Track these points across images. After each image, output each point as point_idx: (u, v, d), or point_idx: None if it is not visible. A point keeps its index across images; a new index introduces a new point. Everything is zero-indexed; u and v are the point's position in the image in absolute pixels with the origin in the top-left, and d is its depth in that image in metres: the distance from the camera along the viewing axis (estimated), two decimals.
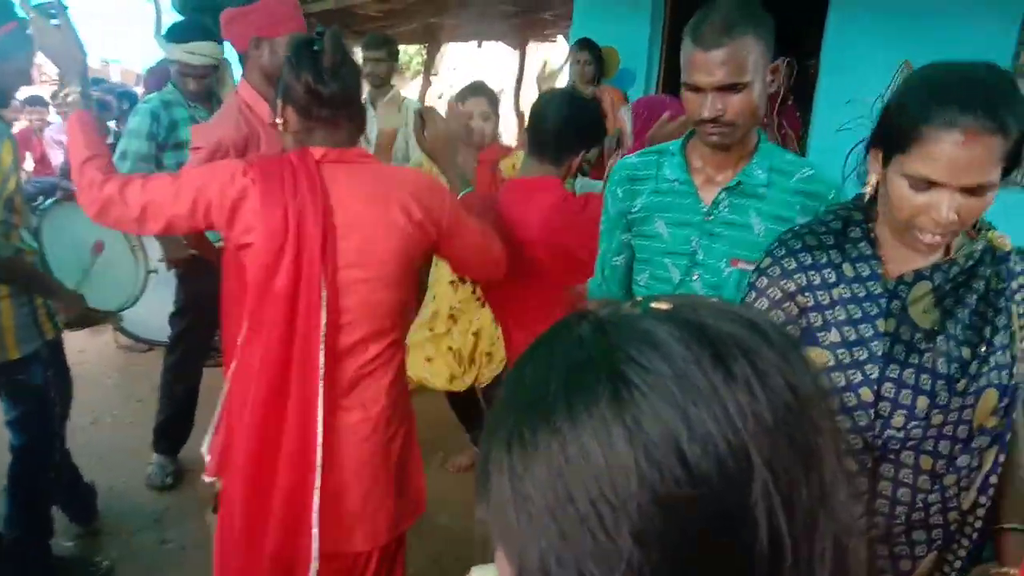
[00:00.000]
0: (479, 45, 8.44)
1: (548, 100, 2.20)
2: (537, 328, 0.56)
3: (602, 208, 1.79)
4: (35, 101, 6.12)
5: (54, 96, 5.68)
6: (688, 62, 1.48)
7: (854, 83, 4.19)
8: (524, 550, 0.47)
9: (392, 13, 5.84)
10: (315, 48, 1.63)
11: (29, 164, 5.85)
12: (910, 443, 1.23)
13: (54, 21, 1.77)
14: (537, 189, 2.07)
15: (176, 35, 3.01)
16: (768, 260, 1.34)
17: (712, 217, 1.60)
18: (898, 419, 1.22)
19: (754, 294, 1.34)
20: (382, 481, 1.79)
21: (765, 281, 1.33)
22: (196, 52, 2.93)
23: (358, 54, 4.97)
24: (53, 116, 6.49)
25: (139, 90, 7.68)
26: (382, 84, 4.06)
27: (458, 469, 3.38)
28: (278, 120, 1.70)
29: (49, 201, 2.72)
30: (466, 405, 3.32)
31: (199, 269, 2.89)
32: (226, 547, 1.83)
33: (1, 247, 2.13)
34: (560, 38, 7.85)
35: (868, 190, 1.27)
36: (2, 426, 2.47)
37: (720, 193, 1.59)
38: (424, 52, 7.97)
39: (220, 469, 1.84)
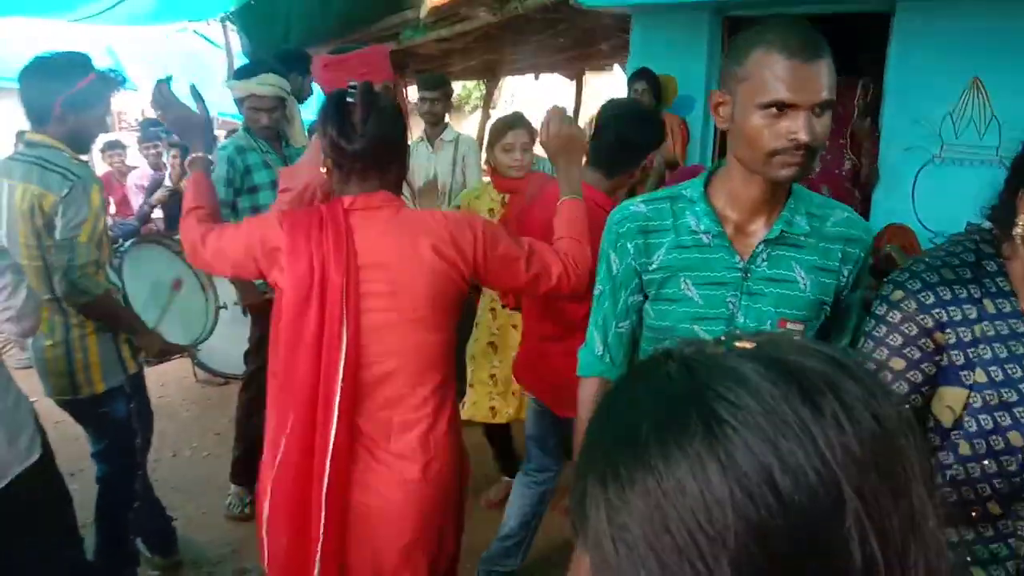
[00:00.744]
0: (536, 77, 8.56)
1: (608, 111, 2.17)
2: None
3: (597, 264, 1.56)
4: (114, 145, 6.44)
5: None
6: (777, 77, 1.24)
7: (920, 102, 4.11)
8: None
9: (451, 52, 5.98)
10: (346, 101, 1.68)
11: (111, 207, 6.15)
12: None
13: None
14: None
15: (243, 73, 3.17)
16: (900, 293, 1.26)
17: (750, 274, 1.40)
18: None
19: (884, 328, 1.26)
20: (426, 536, 1.76)
21: (898, 316, 1.25)
22: (264, 83, 3.06)
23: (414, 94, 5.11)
24: (131, 160, 6.83)
25: (218, 133, 8.07)
26: (437, 122, 4.15)
27: (490, 505, 3.31)
28: (322, 169, 1.77)
29: (129, 243, 2.87)
30: (505, 438, 3.32)
31: (267, 311, 2.99)
32: None
33: (94, 284, 2.27)
34: (616, 67, 7.91)
35: (1019, 231, 1.20)
36: (89, 460, 2.59)
37: (759, 246, 1.39)
38: (483, 87, 8.11)
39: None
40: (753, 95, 1.26)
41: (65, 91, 2.23)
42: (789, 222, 1.39)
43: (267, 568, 1.83)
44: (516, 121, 3.03)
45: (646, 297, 1.50)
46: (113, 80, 2.39)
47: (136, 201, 5.76)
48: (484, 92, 8.08)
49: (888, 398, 0.51)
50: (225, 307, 3.10)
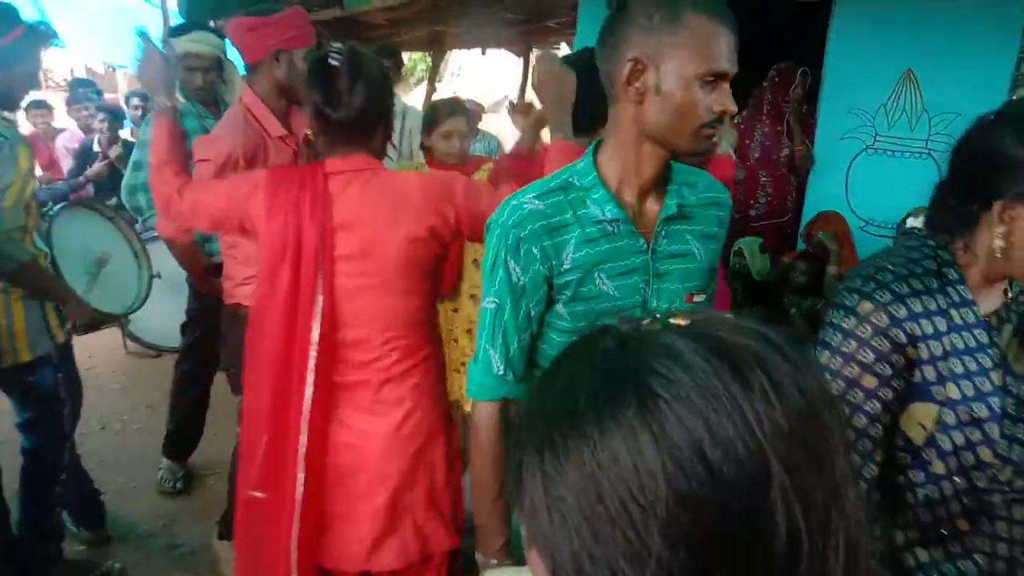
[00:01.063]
0: (483, 52, 8.48)
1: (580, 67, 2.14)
2: None
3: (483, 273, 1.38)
4: (40, 104, 6.16)
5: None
6: (718, 45, 1.18)
7: (856, 92, 4.22)
8: (558, 550, 0.51)
9: (397, 21, 5.87)
10: (331, 66, 1.66)
11: (37, 170, 5.89)
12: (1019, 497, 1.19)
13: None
14: None
15: (177, 31, 3.08)
16: (869, 305, 1.18)
17: (656, 254, 1.35)
18: (1006, 474, 1.17)
19: (853, 343, 1.19)
20: (410, 493, 1.78)
21: (869, 330, 1.18)
22: (200, 41, 2.98)
23: None
24: (60, 122, 6.54)
25: None
26: None
27: None
28: (307, 131, 1.79)
29: (58, 207, 2.76)
30: None
31: (209, 273, 2.93)
32: (244, 551, 1.87)
33: (19, 251, 2.18)
34: (564, 45, 7.89)
35: (999, 244, 1.16)
36: (14, 432, 2.51)
37: (659, 225, 1.34)
38: (428, 59, 8.00)
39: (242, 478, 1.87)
40: (692, 64, 1.18)
41: None
42: (680, 195, 1.36)
43: (237, 532, 1.86)
44: (456, 108, 3.02)
45: (550, 303, 1.36)
46: (43, 34, 2.29)
47: (65, 164, 5.53)
48: (430, 64, 7.97)
49: (814, 373, 0.53)
50: (159, 276, 3.01)
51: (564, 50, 8.43)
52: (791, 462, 0.49)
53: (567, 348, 0.59)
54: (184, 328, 3.26)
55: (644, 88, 1.21)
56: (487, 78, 11.08)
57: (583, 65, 2.13)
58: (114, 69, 11.17)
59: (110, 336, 4.60)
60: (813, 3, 4.33)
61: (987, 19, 3.84)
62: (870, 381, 1.20)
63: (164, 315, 3.54)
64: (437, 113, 3.02)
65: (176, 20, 5.61)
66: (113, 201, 3.39)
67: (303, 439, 1.70)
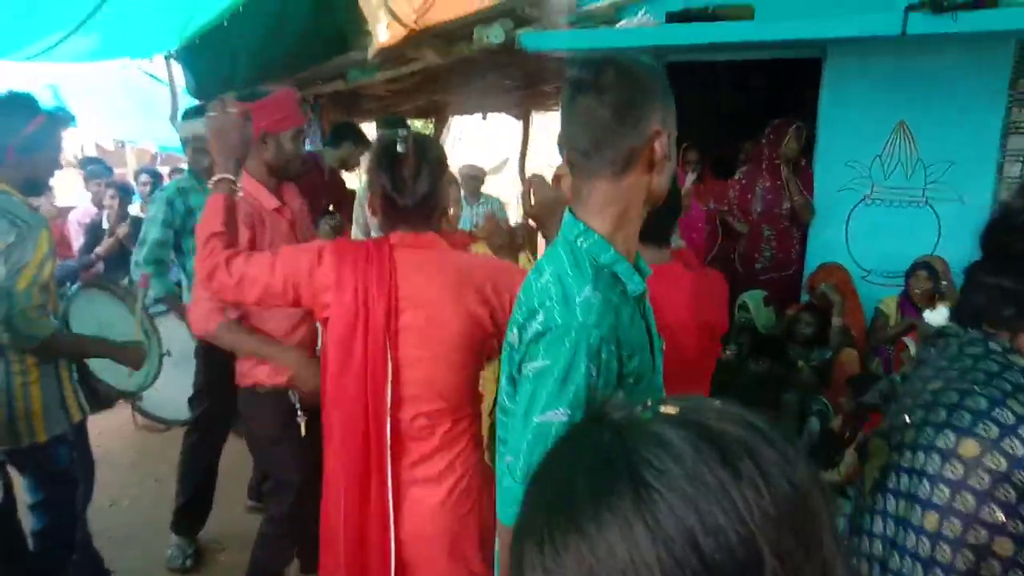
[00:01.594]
0: (484, 117, 8.67)
1: None
2: None
3: (551, 373, 1.16)
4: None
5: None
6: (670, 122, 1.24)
7: (851, 144, 4.30)
8: None
9: (399, 92, 6.02)
10: (397, 153, 1.75)
11: None
12: None
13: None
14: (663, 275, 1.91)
15: (189, 114, 3.17)
16: (974, 446, 1.05)
17: (649, 322, 1.33)
18: None
19: (971, 500, 1.05)
20: (460, 555, 1.86)
21: (987, 479, 1.04)
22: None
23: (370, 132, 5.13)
24: (68, 199, 6.66)
25: (162, 169, 7.98)
26: None
27: None
28: (366, 208, 1.84)
29: (75, 288, 2.81)
30: None
31: (218, 353, 2.96)
32: None
33: (40, 327, 2.21)
34: None
35: None
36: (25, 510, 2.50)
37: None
38: (431, 126, 8.18)
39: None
40: (674, 127, 1.25)
41: (15, 135, 2.20)
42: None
43: None
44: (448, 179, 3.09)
45: None
46: (62, 119, 2.38)
47: (76, 240, 5.61)
48: (432, 131, 8.14)
49: (800, 459, 0.55)
50: (169, 354, 3.05)
51: None
52: (781, 548, 0.50)
53: (564, 438, 0.61)
54: (192, 401, 3.27)
55: (661, 156, 1.22)
56: (488, 141, 11.29)
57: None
58: (123, 145, 11.41)
59: (119, 412, 4.60)
60: (807, 60, 4.44)
61: (976, 70, 3.94)
62: (1004, 547, 1.03)
63: (172, 389, 3.55)
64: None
65: (184, 97, 5.79)
66: (125, 281, 3.44)
67: (390, 507, 1.78)
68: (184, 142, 3.20)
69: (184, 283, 3.20)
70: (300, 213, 2.55)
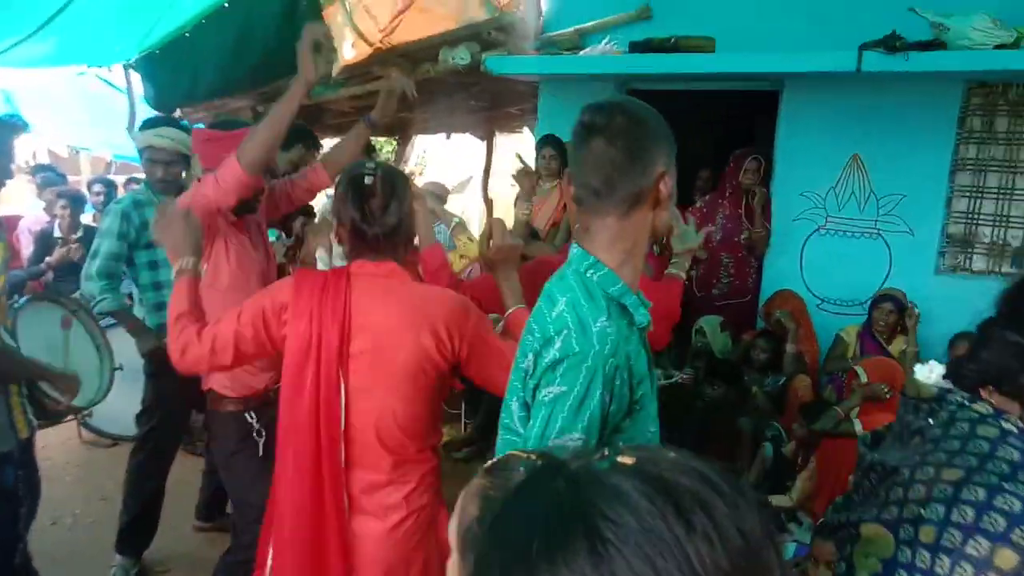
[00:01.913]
0: (448, 137, 8.69)
1: None
2: None
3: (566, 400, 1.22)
4: None
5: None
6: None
7: (807, 175, 4.41)
8: None
9: (363, 109, 6.00)
10: (365, 184, 1.76)
11: None
12: None
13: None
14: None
15: (146, 124, 3.12)
16: (1015, 558, 1.01)
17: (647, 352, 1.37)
18: None
19: None
20: None
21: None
22: (165, 136, 3.01)
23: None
24: (26, 208, 6.47)
25: (116, 178, 7.81)
26: None
27: None
28: (332, 237, 1.84)
29: (22, 300, 2.73)
30: None
31: (168, 368, 2.91)
32: None
33: None
34: (526, 129, 8.13)
35: None
36: None
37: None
38: (394, 143, 8.17)
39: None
40: (673, 167, 1.33)
41: None
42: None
43: None
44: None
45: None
46: (15, 126, 2.32)
47: (26, 248, 5.46)
48: (396, 149, 8.14)
49: (753, 511, 0.56)
50: (121, 368, 2.98)
51: (527, 135, 8.67)
52: None
53: (519, 486, 0.61)
54: (139, 418, 3.19)
55: (666, 195, 1.30)
56: (453, 161, 11.32)
57: None
58: (77, 152, 11.16)
59: (64, 425, 4.46)
60: (765, 92, 4.55)
61: (927, 108, 4.08)
62: None
63: (120, 403, 3.45)
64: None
65: (143, 106, 5.70)
66: (77, 293, 3.34)
67: (343, 532, 1.76)
68: (140, 152, 3.14)
69: (136, 295, 3.13)
70: (257, 227, 2.56)
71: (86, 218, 5.74)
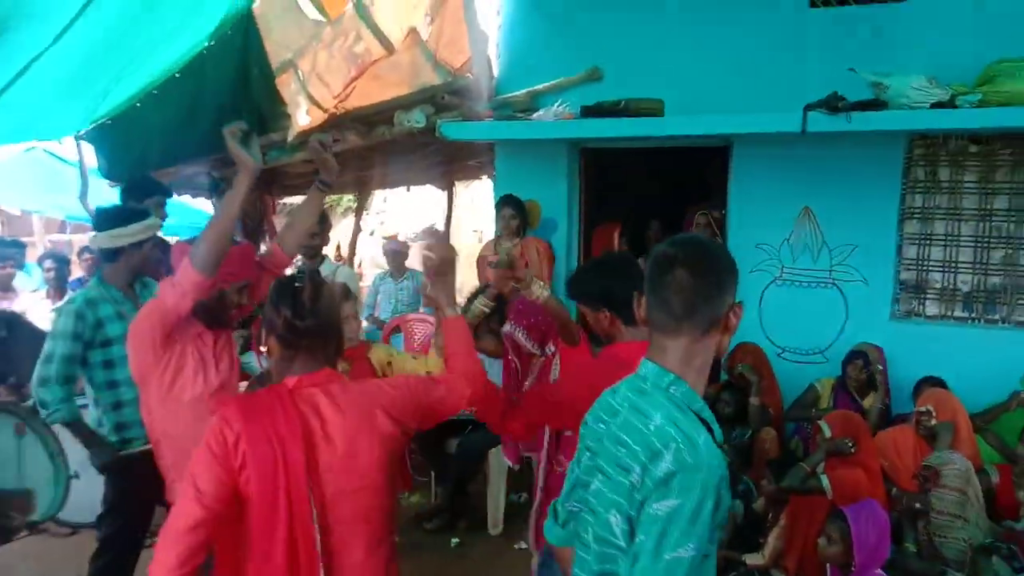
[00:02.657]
0: (408, 189, 8.71)
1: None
2: None
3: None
4: None
5: None
6: None
7: (760, 228, 4.49)
8: None
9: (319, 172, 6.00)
10: (295, 285, 1.78)
11: None
12: None
13: None
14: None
15: (99, 223, 3.03)
16: None
17: None
18: None
19: None
20: None
21: None
22: (117, 236, 2.94)
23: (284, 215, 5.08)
24: None
25: (65, 237, 7.65)
26: (315, 255, 4.15)
27: None
28: (262, 348, 1.83)
29: None
30: None
31: (126, 468, 2.85)
32: None
33: None
34: (484, 177, 8.18)
35: None
36: None
37: None
38: (354, 200, 8.16)
39: None
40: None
41: None
42: None
43: None
44: (346, 293, 3.10)
45: None
46: None
47: None
48: (356, 205, 8.13)
49: None
50: (77, 476, 2.91)
51: (486, 182, 8.72)
52: None
53: None
54: (100, 520, 3.08)
55: (735, 322, 1.43)
56: (412, 209, 11.33)
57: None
58: (29, 214, 10.95)
59: None
60: (715, 148, 4.64)
61: (872, 161, 4.21)
62: None
63: (78, 487, 3.33)
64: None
65: (94, 176, 5.62)
66: (30, 402, 3.21)
67: None
68: (98, 252, 3.07)
69: (90, 394, 3.04)
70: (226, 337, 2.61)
71: (34, 296, 5.63)
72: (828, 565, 2.98)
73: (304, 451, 1.70)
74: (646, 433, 1.34)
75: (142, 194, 3.93)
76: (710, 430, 1.37)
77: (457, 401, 1.96)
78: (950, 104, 3.55)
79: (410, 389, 1.88)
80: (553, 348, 2.78)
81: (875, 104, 3.64)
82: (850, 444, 3.46)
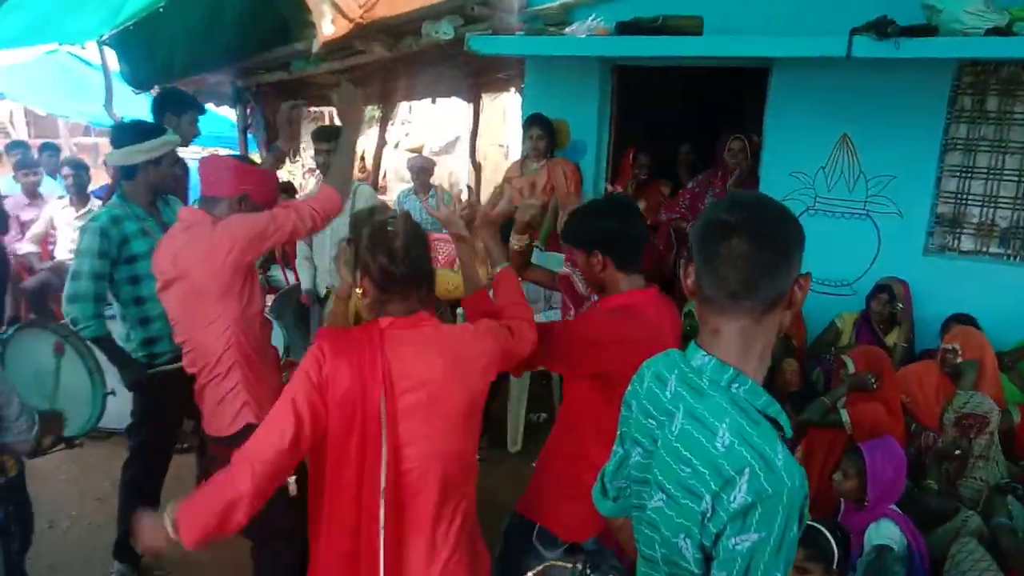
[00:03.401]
0: (433, 101, 8.53)
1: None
2: None
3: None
4: None
5: None
6: None
7: (796, 156, 4.35)
8: None
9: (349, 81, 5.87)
10: (389, 230, 1.78)
11: None
12: None
13: None
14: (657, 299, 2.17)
15: (117, 139, 3.00)
16: None
17: None
18: None
19: None
20: None
21: None
22: (135, 152, 2.91)
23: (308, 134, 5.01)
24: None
25: (90, 140, 7.65)
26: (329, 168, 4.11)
27: None
28: (357, 289, 1.84)
29: (11, 329, 2.69)
30: None
31: (154, 385, 2.92)
32: None
33: None
34: (513, 90, 7.98)
35: None
36: None
37: None
38: (378, 111, 8.01)
39: None
40: None
41: None
42: None
43: None
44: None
45: None
46: None
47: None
48: (380, 116, 7.98)
49: None
50: (114, 393, 2.97)
51: (513, 94, 8.50)
52: None
53: None
54: (130, 431, 3.18)
55: (801, 297, 1.23)
56: (438, 122, 11.12)
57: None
58: (56, 118, 10.92)
59: None
60: (755, 70, 4.46)
61: (917, 89, 4.01)
62: None
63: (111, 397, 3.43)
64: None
65: (117, 81, 5.54)
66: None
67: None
68: (117, 167, 3.03)
69: (117, 312, 3.07)
70: None
71: (59, 203, 5.67)
72: (842, 500, 3.01)
73: (385, 391, 1.72)
74: (714, 454, 1.17)
75: (177, 108, 3.87)
76: (779, 427, 1.21)
77: (526, 347, 1.99)
78: (1007, 30, 3.35)
79: (495, 338, 1.90)
80: None
81: (926, 30, 3.44)
82: (873, 380, 3.43)
